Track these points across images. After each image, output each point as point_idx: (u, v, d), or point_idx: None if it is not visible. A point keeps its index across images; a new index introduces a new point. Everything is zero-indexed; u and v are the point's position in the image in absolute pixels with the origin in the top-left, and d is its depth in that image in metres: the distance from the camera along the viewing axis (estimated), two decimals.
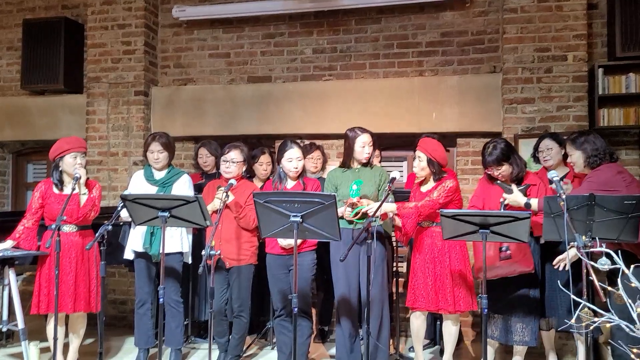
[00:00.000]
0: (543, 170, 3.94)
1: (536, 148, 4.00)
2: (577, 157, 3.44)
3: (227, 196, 3.69)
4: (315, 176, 4.61)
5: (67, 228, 3.76)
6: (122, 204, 3.43)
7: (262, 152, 4.62)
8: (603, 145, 3.39)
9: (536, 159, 4.00)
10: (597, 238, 2.82)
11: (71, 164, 3.77)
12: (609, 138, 4.75)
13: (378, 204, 3.54)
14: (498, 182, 3.67)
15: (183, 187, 4.10)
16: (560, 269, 3.39)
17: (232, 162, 3.97)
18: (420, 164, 3.71)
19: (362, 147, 3.81)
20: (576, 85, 4.56)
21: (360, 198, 3.69)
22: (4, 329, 3.97)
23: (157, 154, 4.06)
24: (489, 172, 3.73)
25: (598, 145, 3.39)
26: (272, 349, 4.46)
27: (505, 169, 3.66)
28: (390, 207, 3.65)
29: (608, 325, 2.15)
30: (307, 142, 4.99)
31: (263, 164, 4.57)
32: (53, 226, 3.41)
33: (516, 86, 4.67)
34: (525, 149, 4.61)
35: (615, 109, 4.51)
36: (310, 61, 5.40)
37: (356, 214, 3.63)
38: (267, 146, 5.18)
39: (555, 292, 3.77)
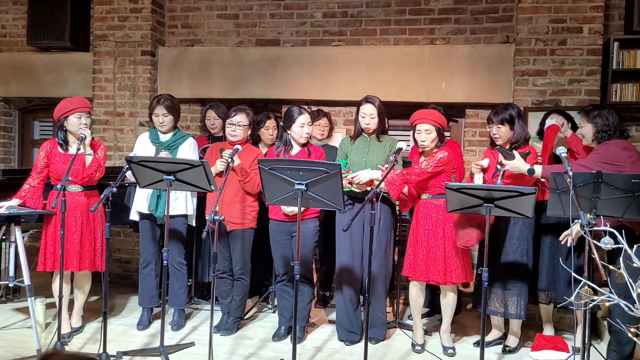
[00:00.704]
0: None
1: (542, 123, 3.96)
2: (587, 130, 3.42)
3: (233, 161, 3.68)
4: (321, 143, 4.58)
5: (73, 188, 3.77)
6: (127, 166, 3.43)
7: (267, 116, 4.59)
8: (615, 122, 3.37)
9: (542, 135, 3.96)
10: (601, 216, 2.81)
11: (76, 124, 3.75)
12: (620, 114, 4.65)
13: (365, 171, 3.62)
14: (498, 147, 3.65)
15: (188, 150, 4.10)
16: (568, 244, 3.37)
17: (238, 125, 3.95)
18: (429, 136, 3.66)
19: (363, 117, 3.82)
20: (590, 58, 4.47)
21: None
22: (11, 285, 4.06)
23: (162, 117, 4.03)
24: (490, 128, 3.77)
25: (610, 121, 3.37)
26: (274, 312, 4.54)
27: (504, 131, 3.70)
28: (374, 174, 3.64)
29: (607, 303, 2.17)
30: (314, 108, 4.95)
31: (269, 129, 4.55)
32: (59, 186, 3.42)
33: (529, 58, 4.58)
34: (534, 122, 4.55)
35: (629, 84, 4.44)
36: (320, 25, 5.30)
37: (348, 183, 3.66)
38: (273, 111, 5.15)
39: (555, 267, 3.80)
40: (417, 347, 3.84)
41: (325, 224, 4.28)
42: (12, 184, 4.03)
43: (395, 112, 5.16)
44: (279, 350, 3.78)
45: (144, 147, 4.08)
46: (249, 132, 4.08)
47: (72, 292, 4.02)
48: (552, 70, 4.54)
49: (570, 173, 2.91)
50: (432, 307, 4.53)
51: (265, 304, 4.77)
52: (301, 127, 3.86)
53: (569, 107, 4.39)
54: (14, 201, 3.72)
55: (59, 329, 3.45)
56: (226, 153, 3.81)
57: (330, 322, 4.35)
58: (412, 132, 3.82)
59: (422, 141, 3.65)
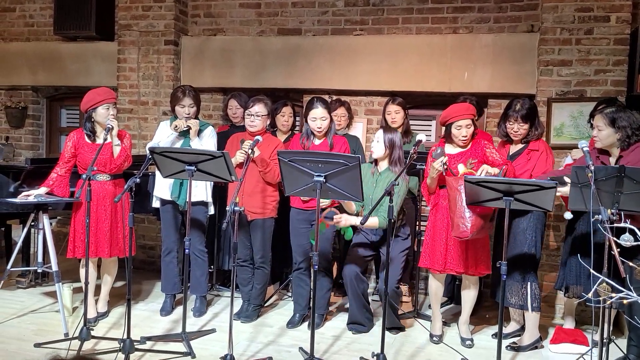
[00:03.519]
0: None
1: (592, 115, 3.91)
2: (607, 135, 3.34)
3: (253, 152, 3.72)
4: (341, 133, 4.59)
5: (101, 177, 3.87)
6: (150, 156, 3.50)
7: (284, 104, 4.64)
8: (637, 122, 3.32)
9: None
10: (622, 212, 2.78)
11: (104, 115, 3.84)
12: None
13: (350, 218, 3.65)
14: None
15: (208, 139, 4.15)
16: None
17: (257, 115, 3.99)
18: (469, 130, 3.65)
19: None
20: (617, 48, 4.37)
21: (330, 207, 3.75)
22: (39, 270, 4.19)
23: (188, 108, 4.09)
24: (509, 125, 3.76)
25: (636, 123, 3.32)
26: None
27: (525, 128, 3.73)
28: (354, 220, 3.64)
29: (626, 302, 2.16)
30: (334, 97, 4.95)
31: (285, 115, 4.60)
32: (84, 176, 3.51)
33: (553, 47, 4.50)
34: (558, 112, 4.51)
35: None
36: (342, 14, 5.28)
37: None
38: (294, 100, 5.18)
39: (578, 262, 3.76)
40: (434, 338, 3.86)
41: None
42: (40, 172, 4.15)
43: (417, 102, 5.14)
44: (298, 339, 3.84)
45: (166, 135, 4.12)
46: (268, 122, 4.11)
47: (98, 277, 4.14)
48: (578, 60, 4.45)
49: (592, 167, 2.87)
50: (452, 296, 4.54)
51: (285, 291, 4.83)
52: (313, 121, 3.90)
53: (594, 97, 4.31)
54: (42, 190, 3.83)
55: (85, 313, 3.56)
56: (246, 145, 3.85)
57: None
58: (444, 128, 3.77)
59: (463, 136, 3.66)
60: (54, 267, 3.84)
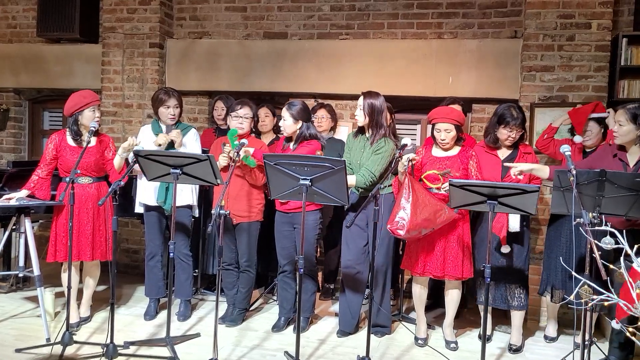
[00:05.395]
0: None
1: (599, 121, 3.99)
2: (627, 131, 3.26)
3: (238, 155, 3.71)
4: (325, 137, 4.58)
5: (83, 180, 3.84)
6: (134, 159, 3.47)
7: (260, 106, 4.66)
8: None
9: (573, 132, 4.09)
10: (603, 215, 2.82)
11: (91, 117, 3.81)
12: None
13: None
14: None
15: (192, 141, 4.14)
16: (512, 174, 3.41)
17: (245, 117, 4.00)
18: (449, 135, 3.67)
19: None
20: (598, 54, 4.45)
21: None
22: (21, 275, 4.13)
23: (173, 109, 4.07)
24: (506, 131, 3.70)
25: None
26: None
27: (520, 133, 3.74)
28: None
29: (606, 303, 2.19)
30: (319, 101, 4.97)
31: (261, 117, 4.62)
32: (67, 179, 3.48)
33: (536, 53, 4.56)
34: (541, 117, 4.56)
35: (637, 80, 4.42)
36: (328, 18, 5.30)
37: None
38: (280, 103, 5.17)
39: (558, 265, 3.81)
40: (419, 341, 3.88)
41: (335, 218, 4.31)
42: (22, 175, 4.10)
43: (402, 106, 5.17)
44: (283, 342, 3.83)
45: (148, 139, 4.10)
46: (253, 123, 4.13)
47: (81, 281, 4.09)
48: (560, 66, 4.52)
49: (574, 171, 2.91)
50: (435, 300, 4.56)
51: (270, 295, 4.82)
52: (283, 121, 3.92)
53: (576, 103, 4.37)
54: (23, 192, 3.79)
55: (67, 318, 3.52)
56: (227, 148, 3.85)
57: (336, 314, 4.39)
58: (431, 128, 3.82)
59: (442, 139, 3.69)
60: (36, 271, 3.79)
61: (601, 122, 3.95)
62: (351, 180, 3.64)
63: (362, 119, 3.78)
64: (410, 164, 3.52)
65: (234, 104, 4.10)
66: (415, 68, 4.95)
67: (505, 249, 3.70)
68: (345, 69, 5.12)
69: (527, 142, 3.95)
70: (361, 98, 3.79)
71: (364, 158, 3.74)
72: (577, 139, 4.00)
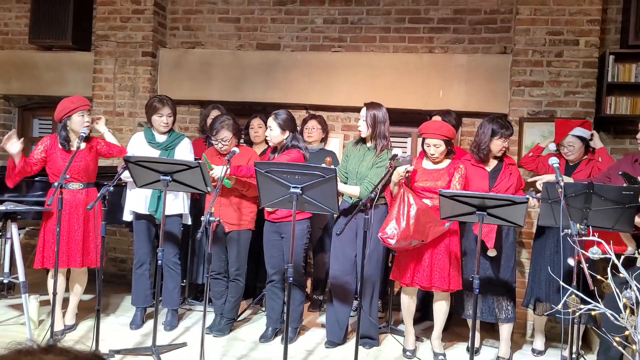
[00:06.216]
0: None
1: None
2: None
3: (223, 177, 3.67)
4: (316, 148, 4.61)
5: (73, 185, 3.81)
6: (124, 165, 3.46)
7: (253, 117, 4.66)
8: None
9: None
10: (590, 226, 2.85)
11: (79, 122, 3.80)
12: (614, 126, 4.75)
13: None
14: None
15: (184, 150, 4.13)
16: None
17: (223, 141, 3.92)
18: (439, 150, 3.69)
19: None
20: (586, 71, 4.52)
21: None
22: (5, 281, 4.07)
23: (166, 117, 4.07)
24: (500, 142, 3.76)
25: None
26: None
27: (509, 144, 3.84)
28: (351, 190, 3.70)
29: (594, 313, 2.20)
30: (311, 111, 5.00)
31: (254, 127, 4.60)
32: (56, 184, 3.45)
33: (525, 69, 4.62)
34: (530, 131, 4.61)
35: (623, 97, 4.49)
36: (320, 31, 5.35)
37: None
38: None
39: (547, 278, 3.83)
40: (407, 353, 3.86)
41: (322, 228, 4.31)
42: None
43: (393, 119, 5.18)
44: (271, 353, 3.80)
45: (139, 147, 4.09)
46: (236, 140, 4.04)
47: (67, 289, 4.04)
48: (548, 81, 4.58)
49: (562, 184, 2.95)
50: (424, 312, 4.55)
51: (259, 306, 4.78)
52: (270, 131, 3.91)
53: (564, 118, 4.43)
54: (17, 146, 3.62)
55: (52, 325, 3.47)
56: (215, 172, 3.74)
57: (323, 325, 4.37)
58: (421, 141, 3.85)
59: (431, 154, 3.72)
60: (21, 278, 3.74)
61: (584, 139, 3.99)
62: (354, 191, 3.67)
63: (365, 130, 3.80)
64: (406, 175, 3.55)
65: (214, 126, 3.96)
66: (406, 81, 5.00)
67: (492, 252, 3.71)
68: (337, 81, 5.15)
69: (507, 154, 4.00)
70: (364, 109, 3.82)
71: (363, 167, 3.76)
72: (552, 146, 4.09)
